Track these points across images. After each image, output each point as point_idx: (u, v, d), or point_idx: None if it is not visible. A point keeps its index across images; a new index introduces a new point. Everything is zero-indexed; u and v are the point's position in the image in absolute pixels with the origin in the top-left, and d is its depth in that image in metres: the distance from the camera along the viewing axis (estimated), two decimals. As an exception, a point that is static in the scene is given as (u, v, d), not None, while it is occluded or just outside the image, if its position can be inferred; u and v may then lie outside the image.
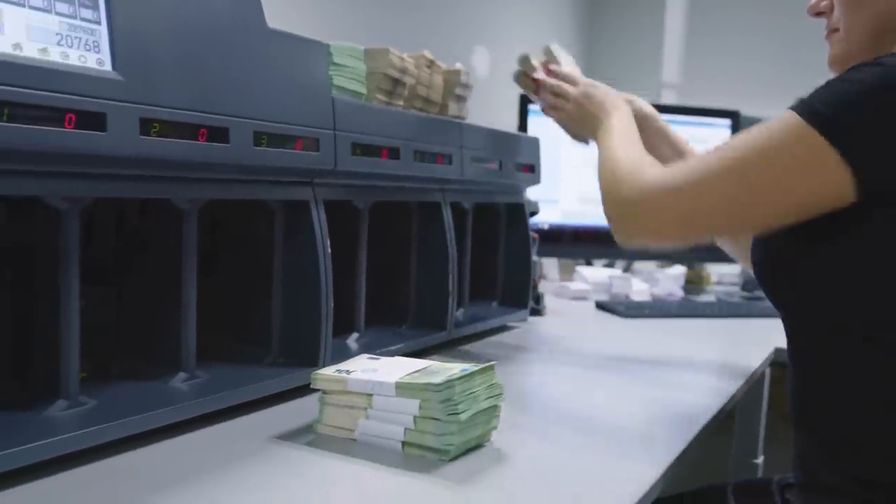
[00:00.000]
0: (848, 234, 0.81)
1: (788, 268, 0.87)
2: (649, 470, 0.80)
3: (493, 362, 0.85)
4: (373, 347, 1.13)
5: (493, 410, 0.84)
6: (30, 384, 0.80)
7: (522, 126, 2.09)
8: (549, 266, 2.46)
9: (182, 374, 0.90)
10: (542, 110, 1.36)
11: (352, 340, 1.17)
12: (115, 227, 0.95)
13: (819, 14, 0.96)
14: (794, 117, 0.80)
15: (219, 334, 1.04)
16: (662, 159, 1.11)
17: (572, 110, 1.28)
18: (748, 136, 0.85)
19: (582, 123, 1.26)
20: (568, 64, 1.35)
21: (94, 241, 0.93)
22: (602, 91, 1.26)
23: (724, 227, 1.00)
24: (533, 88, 1.36)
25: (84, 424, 0.75)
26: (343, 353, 1.09)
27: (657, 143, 1.28)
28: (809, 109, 0.79)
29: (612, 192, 1.01)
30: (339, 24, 2.47)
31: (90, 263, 0.83)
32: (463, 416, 0.78)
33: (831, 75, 0.85)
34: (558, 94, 1.30)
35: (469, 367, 0.83)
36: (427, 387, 0.78)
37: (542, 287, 1.82)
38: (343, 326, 1.14)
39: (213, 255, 1.05)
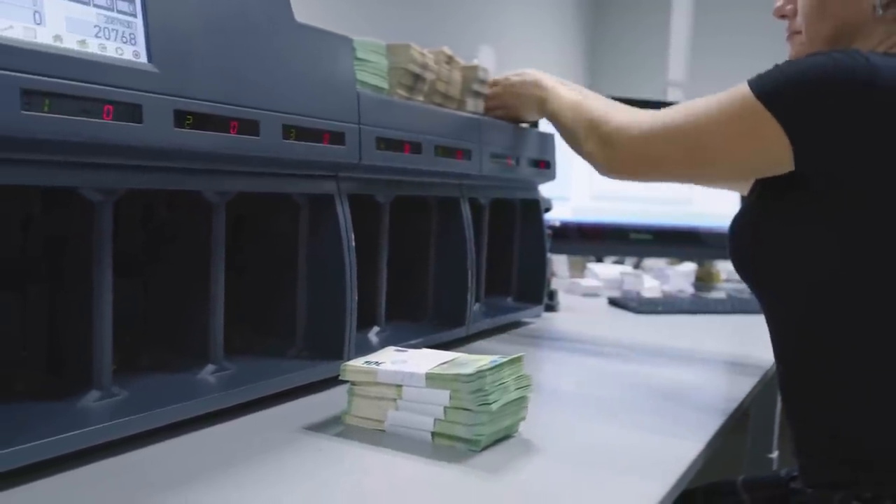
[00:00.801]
0: (816, 216, 0.87)
1: (763, 252, 0.94)
2: (684, 454, 0.81)
3: (520, 354, 0.85)
4: (393, 341, 1.13)
5: (522, 401, 0.85)
6: (63, 374, 0.81)
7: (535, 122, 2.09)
8: (559, 263, 2.46)
9: (210, 366, 0.90)
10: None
11: (372, 334, 1.18)
12: (142, 220, 0.95)
13: (783, 17, 1.04)
14: (747, 89, 0.89)
15: (240, 327, 1.04)
16: None
17: (508, 101, 1.37)
18: (707, 100, 0.95)
19: (523, 106, 1.36)
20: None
21: (121, 233, 0.93)
22: (524, 73, 1.35)
23: (683, 174, 1.07)
24: None
25: (117, 415, 0.75)
26: (364, 346, 1.10)
27: None
28: (760, 84, 0.89)
29: (592, 133, 1.11)
30: (345, 22, 2.48)
31: (117, 256, 0.83)
32: (494, 407, 0.79)
33: None
34: (488, 96, 1.39)
35: (497, 358, 0.83)
36: (458, 377, 0.79)
37: (553, 284, 1.82)
38: (363, 320, 1.14)
39: (237, 249, 1.05)
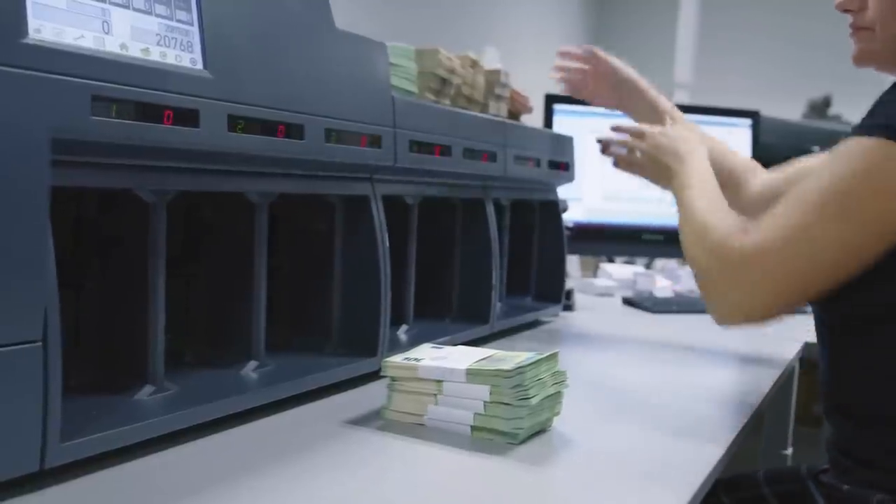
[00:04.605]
0: None
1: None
2: (712, 448, 0.84)
3: (556, 350, 0.88)
4: (421, 339, 1.15)
5: (557, 397, 0.88)
6: (116, 370, 0.83)
7: (548, 124, 2.12)
8: (570, 263, 2.49)
9: (253, 363, 0.93)
10: (614, 165, 1.39)
11: (401, 332, 1.21)
12: (186, 220, 0.98)
13: (847, 11, 0.98)
14: (867, 140, 0.81)
15: (276, 324, 1.07)
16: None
17: (644, 162, 1.27)
18: (825, 175, 0.84)
19: (656, 174, 1.25)
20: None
21: (167, 234, 0.96)
22: (672, 137, 1.23)
23: (838, 274, 0.86)
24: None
25: (171, 409, 0.78)
26: (394, 343, 1.13)
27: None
28: (878, 125, 0.81)
29: (707, 270, 0.94)
30: (348, 20, 2.52)
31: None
32: (533, 401, 0.81)
33: (844, 75, 0.88)
34: (629, 146, 1.31)
35: (533, 354, 0.86)
36: (498, 373, 0.82)
37: (567, 283, 1.85)
38: (392, 318, 1.17)
39: (273, 249, 1.08)
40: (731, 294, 0.89)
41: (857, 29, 0.97)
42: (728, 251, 0.89)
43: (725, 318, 0.93)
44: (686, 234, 1.01)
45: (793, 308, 0.89)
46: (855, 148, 0.82)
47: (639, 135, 1.29)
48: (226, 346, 0.95)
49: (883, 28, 0.94)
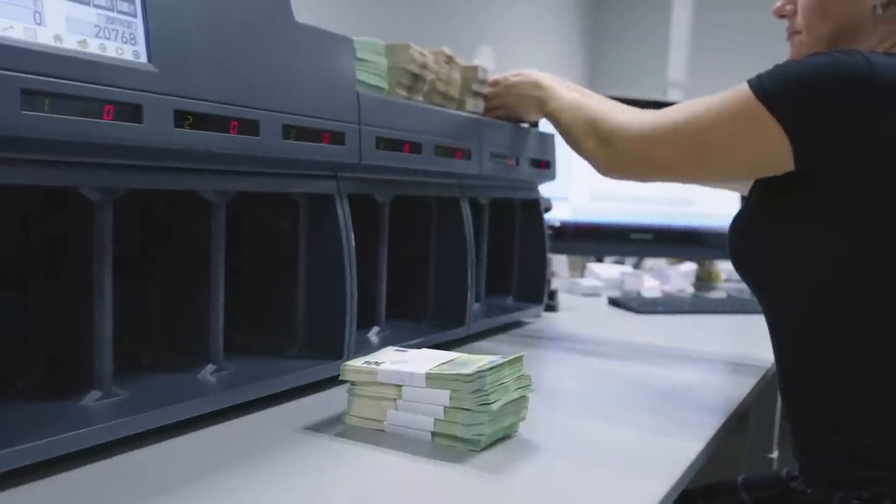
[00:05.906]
0: (817, 215, 0.88)
1: (765, 252, 0.94)
2: (688, 449, 0.82)
3: (520, 354, 0.85)
4: (393, 341, 1.13)
5: (522, 401, 0.85)
6: (63, 374, 0.81)
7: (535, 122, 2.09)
8: (559, 263, 2.46)
9: (210, 366, 0.90)
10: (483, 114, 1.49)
11: (373, 334, 1.18)
12: (142, 220, 0.95)
13: (783, 16, 1.05)
14: (747, 90, 0.90)
15: (239, 326, 1.04)
16: None
17: (508, 101, 1.38)
18: (708, 100, 0.96)
19: (522, 106, 1.36)
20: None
21: (121, 234, 0.93)
22: (523, 74, 1.37)
23: (683, 175, 1.07)
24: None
25: (117, 415, 0.75)
26: (364, 346, 1.10)
27: None
28: (760, 85, 0.89)
29: (591, 132, 1.12)
30: (343, 21, 2.49)
31: (117, 256, 0.83)
32: (494, 407, 0.79)
33: None
34: (488, 96, 1.40)
35: (497, 358, 0.83)
36: (458, 377, 0.79)
37: (553, 283, 1.82)
38: (364, 320, 1.14)
39: (236, 248, 1.05)
40: (600, 157, 1.11)
41: (791, 33, 1.03)
42: (603, 123, 1.10)
43: (601, 173, 1.14)
44: (573, 121, 1.18)
45: (651, 180, 1.08)
46: (737, 89, 0.92)
47: (493, 83, 1.39)
48: (183, 349, 0.92)
49: (808, 31, 0.99)
